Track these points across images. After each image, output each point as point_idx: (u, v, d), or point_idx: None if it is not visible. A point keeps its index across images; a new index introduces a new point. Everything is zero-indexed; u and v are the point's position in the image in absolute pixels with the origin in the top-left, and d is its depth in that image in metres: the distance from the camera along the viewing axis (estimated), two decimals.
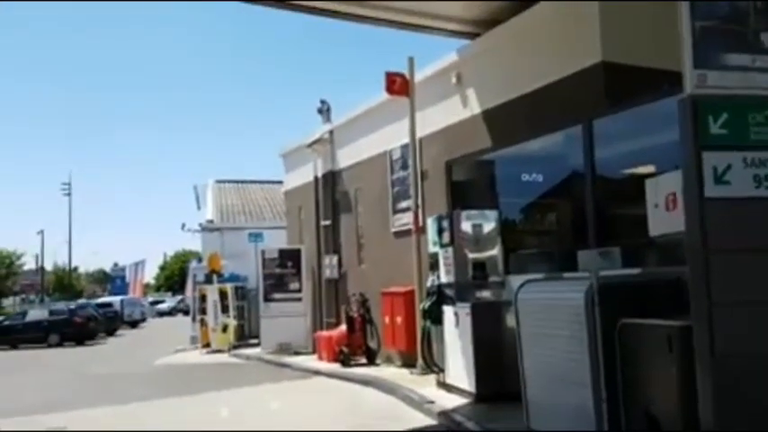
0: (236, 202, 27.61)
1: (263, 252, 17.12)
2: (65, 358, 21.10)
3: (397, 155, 12.41)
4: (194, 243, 40.94)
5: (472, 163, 10.84)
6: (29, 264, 64.92)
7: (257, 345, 18.47)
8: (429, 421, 7.85)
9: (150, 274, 72.75)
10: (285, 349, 15.71)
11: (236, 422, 8.84)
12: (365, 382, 10.91)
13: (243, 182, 29.87)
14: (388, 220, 12.63)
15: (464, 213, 8.68)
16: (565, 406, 5.88)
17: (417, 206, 10.96)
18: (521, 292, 6.53)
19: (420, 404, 8.47)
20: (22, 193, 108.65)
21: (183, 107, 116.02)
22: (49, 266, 63.46)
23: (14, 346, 26.09)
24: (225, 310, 19.36)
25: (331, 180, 15.01)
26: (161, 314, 50.70)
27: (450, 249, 8.57)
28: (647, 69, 8.01)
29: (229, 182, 29.52)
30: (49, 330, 26.78)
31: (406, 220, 11.96)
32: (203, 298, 20.60)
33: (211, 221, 25.66)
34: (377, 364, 12.47)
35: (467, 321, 8.13)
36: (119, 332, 33.21)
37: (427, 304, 9.11)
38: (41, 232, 59.15)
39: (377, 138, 13.03)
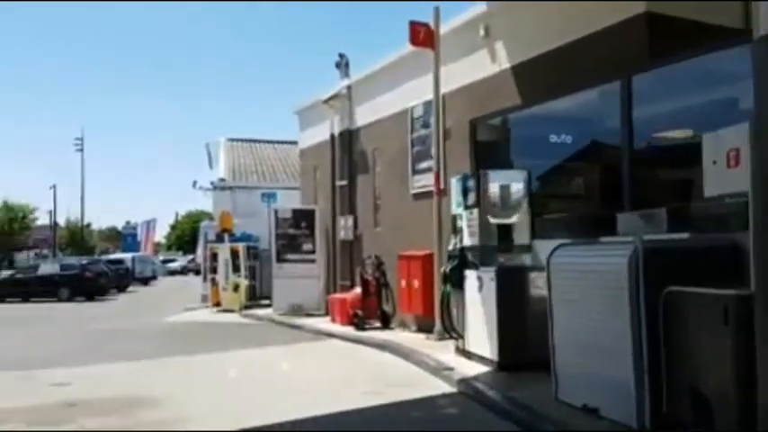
0: (249, 162, 27.19)
1: (275, 211, 16.75)
2: (74, 313, 21.02)
3: (418, 112, 11.88)
4: (206, 203, 40.72)
5: (498, 122, 10.33)
6: (42, 219, 65.27)
7: (268, 306, 18.27)
8: (448, 388, 7.51)
9: (161, 233, 73.07)
10: (297, 311, 15.44)
11: (244, 382, 8.56)
12: (380, 345, 10.59)
13: (256, 141, 29.40)
14: (408, 182, 12.16)
15: (491, 173, 8.19)
16: (599, 377, 5.49)
17: (439, 167, 10.47)
18: (554, 256, 6.10)
19: (438, 370, 8.13)
20: (36, 147, 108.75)
21: (197, 64, 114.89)
22: (62, 222, 63.69)
23: (25, 299, 26.13)
24: (236, 269, 19.13)
25: (348, 139, 14.51)
26: (172, 273, 50.85)
27: (475, 211, 8.11)
28: (694, 23, 7.44)
29: (242, 140, 29.04)
30: (59, 285, 26.76)
31: (426, 181, 11.50)
32: (214, 257, 20.36)
33: (223, 180, 25.30)
34: (391, 329, 12.15)
35: (491, 286, 7.72)
36: (130, 289, 33.23)
37: (448, 268, 8.69)
38: (54, 187, 59.05)
39: (397, 94, 12.47)
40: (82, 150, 60.12)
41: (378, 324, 12.42)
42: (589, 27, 8.06)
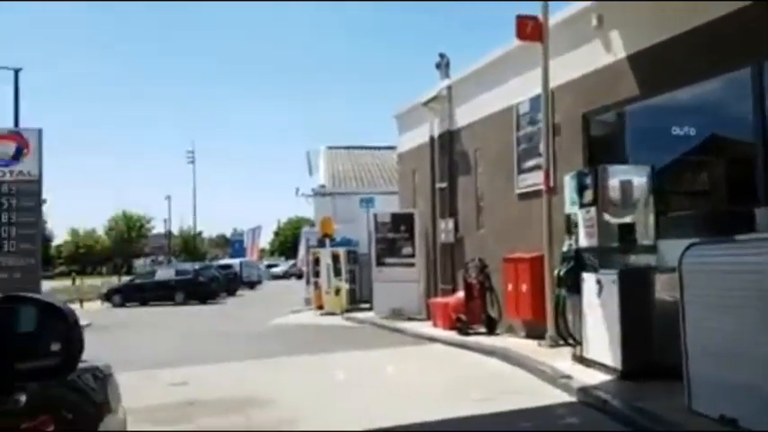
0: (348, 168, 27.48)
1: (375, 216, 16.74)
2: (188, 315, 21.98)
3: (524, 109, 11.44)
4: (307, 210, 41.66)
5: (612, 115, 9.76)
6: (158, 227, 69.35)
7: (368, 309, 18.33)
8: (566, 397, 7.08)
9: (265, 240, 75.53)
10: (398, 314, 15.31)
11: (352, 385, 8.48)
12: (488, 351, 10.23)
13: (354, 148, 29.68)
14: (513, 181, 11.73)
15: (610, 169, 7.68)
16: (742, 388, 4.94)
17: (549, 164, 10.01)
18: (686, 256, 5.57)
19: (554, 378, 7.69)
20: (152, 160, 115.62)
21: (295, 73, 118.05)
22: (175, 230, 67.31)
23: (144, 303, 27.59)
24: (337, 273, 19.30)
25: (448, 140, 14.24)
26: (275, 277, 52.33)
27: (592, 210, 7.63)
28: None
29: (341, 148, 29.43)
30: (175, 289, 28.10)
31: (533, 180, 11.04)
32: (317, 261, 20.68)
33: (323, 186, 25.68)
34: (497, 334, 11.74)
35: (612, 290, 7.21)
36: (238, 292, 34.43)
37: (563, 271, 8.23)
38: (168, 198, 62.53)
39: (501, 91, 12.08)
40: (193, 162, 63.52)
41: (482, 329, 12.04)
42: (716, 10, 7.40)
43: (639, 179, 7.68)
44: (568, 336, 8.25)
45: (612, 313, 7.21)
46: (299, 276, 38.74)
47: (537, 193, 10.78)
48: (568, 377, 7.48)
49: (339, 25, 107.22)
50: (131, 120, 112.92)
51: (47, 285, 25.06)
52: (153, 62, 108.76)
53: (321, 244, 20.85)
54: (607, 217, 7.57)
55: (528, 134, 11.36)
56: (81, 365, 2.92)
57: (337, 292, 19.04)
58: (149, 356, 11.62)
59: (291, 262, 55.64)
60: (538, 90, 10.45)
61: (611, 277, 7.24)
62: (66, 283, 34.03)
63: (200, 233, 74.41)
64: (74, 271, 39.22)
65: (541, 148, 10.42)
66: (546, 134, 10.13)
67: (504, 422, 6.36)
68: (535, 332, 10.57)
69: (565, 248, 8.33)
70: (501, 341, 10.93)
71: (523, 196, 11.44)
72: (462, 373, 9.02)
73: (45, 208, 24.85)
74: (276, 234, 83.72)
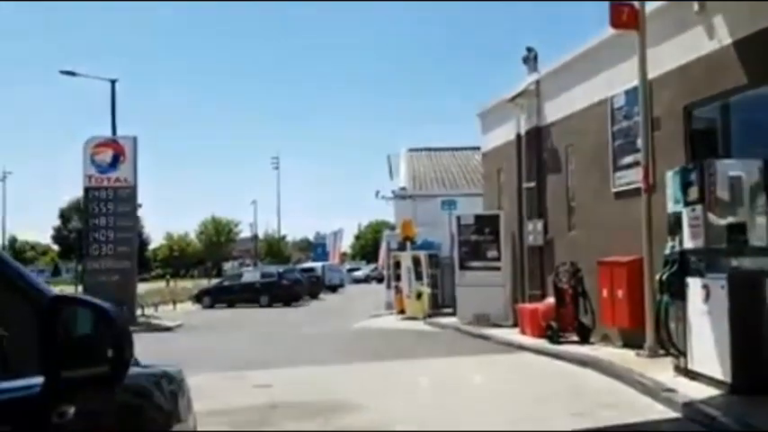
0: (429, 170, 27.17)
1: (458, 218, 16.30)
2: (273, 318, 22.28)
3: (620, 102, 10.75)
4: (387, 213, 41.67)
5: (717, 107, 8.98)
6: (244, 232, 71.51)
7: (450, 314, 17.96)
8: (670, 413, 6.49)
9: (347, 243, 76.38)
10: (482, 320, 14.82)
11: (439, 392, 8.14)
12: (582, 362, 9.63)
13: (435, 149, 29.35)
14: (608, 179, 11.05)
15: (718, 164, 6.99)
16: None
17: (648, 160, 9.33)
18: None
19: (656, 392, 7.08)
20: (238, 166, 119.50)
21: (373, 77, 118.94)
22: (261, 234, 69.15)
23: (231, 305, 28.26)
24: (419, 277, 19.00)
25: (536, 137, 13.65)
26: (356, 281, 52.69)
27: (698, 208, 6.96)
28: None
29: (422, 150, 29.18)
30: (260, 292, 28.64)
31: (631, 177, 10.35)
32: (397, 265, 20.45)
33: (404, 189, 25.48)
34: (591, 343, 11.07)
35: (721, 296, 6.55)
36: (320, 296, 34.80)
37: (665, 275, 7.58)
38: (254, 203, 64.26)
39: (594, 84, 11.42)
40: (278, 168, 65.11)
41: (574, 338, 11.40)
42: None
43: (750, 175, 6.94)
44: (671, 346, 7.58)
45: (721, 321, 6.54)
46: (380, 280, 38.77)
47: (635, 192, 10.10)
48: (672, 391, 6.88)
49: (419, 24, 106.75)
50: (219, 126, 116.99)
51: (142, 287, 26.14)
52: (240, 67, 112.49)
53: (402, 247, 20.60)
54: (714, 216, 6.88)
55: (624, 129, 10.66)
56: (150, 371, 2.75)
57: (419, 296, 18.73)
58: (236, 358, 11.74)
59: (372, 266, 55.90)
60: (634, 82, 9.81)
61: (719, 282, 6.58)
62: (161, 285, 35.44)
63: (284, 237, 76.19)
64: (168, 273, 40.83)
65: (639, 143, 9.74)
66: (644, 128, 9.47)
67: None
68: (632, 341, 9.88)
69: (667, 251, 7.68)
70: (595, 351, 10.28)
71: (620, 195, 10.75)
72: (555, 384, 8.50)
73: (141, 213, 26.08)
74: (357, 238, 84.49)
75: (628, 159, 10.56)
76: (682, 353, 7.43)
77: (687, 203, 7.19)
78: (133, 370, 2.34)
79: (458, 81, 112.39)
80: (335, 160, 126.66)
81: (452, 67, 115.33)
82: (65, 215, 65.42)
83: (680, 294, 7.36)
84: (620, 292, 10.22)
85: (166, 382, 2.70)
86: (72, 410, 1.75)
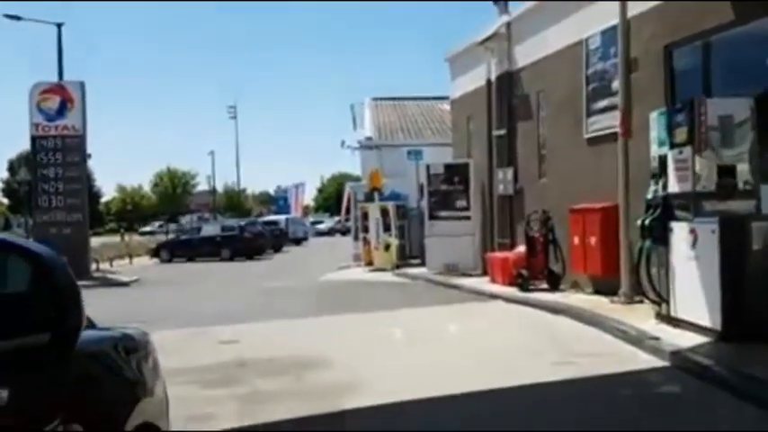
0: (394, 120, 26.59)
1: (427, 167, 15.91)
2: (235, 271, 21.77)
3: (595, 43, 10.38)
4: (351, 166, 41.07)
5: (699, 47, 8.68)
6: (201, 184, 69.93)
7: (418, 265, 17.79)
8: (656, 361, 6.32)
9: (309, 196, 75.55)
10: (452, 270, 14.64)
11: (413, 345, 7.88)
12: (555, 309, 9.49)
13: (400, 99, 28.70)
14: (581, 125, 10.76)
15: (709, 102, 6.71)
16: None
17: (626, 103, 9.03)
18: None
19: (639, 340, 6.93)
20: (194, 115, 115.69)
21: (336, 22, 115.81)
22: (219, 187, 67.76)
23: (191, 259, 27.60)
24: (386, 228, 18.68)
25: (507, 82, 13.23)
26: (320, 234, 52.23)
27: (686, 150, 6.70)
28: None
29: (386, 99, 28.49)
30: (221, 245, 27.96)
31: (605, 122, 10.08)
32: (365, 216, 20.08)
33: (370, 139, 24.90)
34: (561, 290, 10.97)
35: (710, 241, 6.35)
36: (284, 249, 34.30)
37: (648, 220, 7.37)
38: (212, 153, 62.67)
39: (568, 25, 11.00)
40: (235, 118, 63.30)
41: (544, 285, 11.29)
42: None
43: (740, 114, 6.68)
44: (652, 292, 7.42)
45: (710, 267, 6.36)
46: (344, 233, 38.37)
47: (609, 138, 9.85)
48: (656, 338, 6.72)
49: None
50: (172, 73, 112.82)
51: (96, 241, 25.24)
52: (192, 13, 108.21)
53: (369, 198, 20.20)
54: (703, 159, 6.63)
55: (599, 72, 10.33)
56: (109, 333, 2.30)
57: (387, 247, 18.44)
58: (199, 312, 11.32)
59: (336, 218, 55.44)
60: (611, 22, 9.43)
61: (709, 226, 6.36)
62: (116, 239, 34.42)
63: (243, 190, 74.78)
64: (122, 227, 39.70)
65: (615, 86, 9.43)
66: (623, 69, 9.14)
67: (595, 389, 5.66)
68: (604, 288, 9.79)
69: (649, 195, 7.45)
70: (565, 298, 10.18)
71: (593, 141, 10.49)
72: (531, 332, 8.32)
73: (91, 164, 24.92)
74: (320, 191, 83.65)
75: (602, 103, 10.26)
76: (664, 299, 7.28)
77: (674, 145, 6.92)
78: (87, 334, 1.91)
79: (424, 25, 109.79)
80: (296, 111, 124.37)
81: (418, 9, 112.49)
82: (13, 167, 62.79)
83: (663, 240, 7.16)
84: (592, 239, 10.07)
85: (128, 345, 2.27)
86: (5, 394, 1.32)
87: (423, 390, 5.62)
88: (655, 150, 7.41)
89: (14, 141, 75.07)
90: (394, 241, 18.49)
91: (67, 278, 1.29)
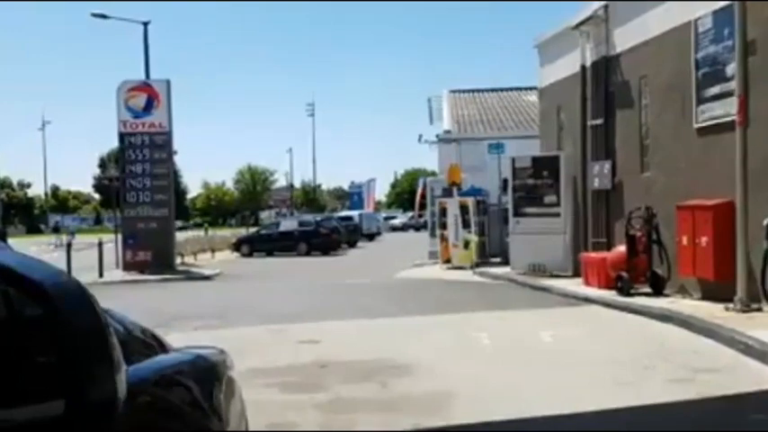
0: (474, 112, 25.76)
1: (513, 160, 15.10)
2: (313, 267, 21.68)
3: (706, 25, 9.39)
4: (425, 161, 40.50)
5: None
6: (280, 180, 71.23)
7: (499, 264, 17.10)
8: None
9: (382, 192, 75.56)
10: (539, 271, 13.85)
11: (502, 353, 7.27)
12: (661, 316, 8.66)
13: (479, 91, 27.89)
14: (690, 114, 9.79)
15: None
16: None
17: (743, 89, 8.09)
18: None
19: (764, 354, 6.12)
20: (274, 114, 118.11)
21: (413, 14, 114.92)
22: (296, 183, 68.76)
23: (270, 254, 27.83)
24: (466, 225, 18.00)
25: (604, 68, 12.29)
26: (393, 229, 52.03)
27: None
28: None
29: (465, 91, 27.74)
30: (298, 240, 28.13)
31: (717, 111, 9.12)
32: (443, 212, 19.46)
33: (448, 132, 24.21)
34: (665, 295, 10.06)
35: None
36: (359, 244, 34.16)
37: None
38: (290, 150, 63.59)
39: (674, 5, 10.05)
40: (313, 115, 63.90)
41: (646, 289, 10.39)
42: None
43: None
44: None
45: None
46: (417, 228, 37.76)
47: (723, 127, 8.92)
48: None
49: None
50: (253, 72, 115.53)
51: (181, 236, 25.76)
52: (276, 9, 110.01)
53: (448, 193, 19.55)
54: None
55: (710, 55, 9.34)
56: (173, 357, 1.88)
57: (466, 245, 17.77)
58: (278, 308, 11.13)
59: (410, 214, 55.01)
60: (721, 3, 8.49)
61: None
62: (200, 233, 35.30)
63: (319, 185, 75.62)
64: (206, 222, 40.73)
65: (730, 70, 8.48)
66: (740, 53, 8.19)
67: (721, 412, 4.92)
68: (717, 293, 8.86)
69: None
70: (672, 304, 9.28)
71: (704, 131, 9.52)
72: (638, 342, 7.53)
73: (178, 161, 25.56)
74: (393, 186, 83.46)
75: (714, 90, 9.28)
76: None
77: None
78: (153, 362, 1.53)
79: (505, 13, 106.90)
80: (371, 107, 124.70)
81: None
82: (104, 163, 65.75)
83: None
84: (703, 240, 9.14)
85: (201, 374, 1.83)
86: None
87: (523, 406, 5.06)
88: None
89: (108, 139, 78.61)
90: (474, 238, 17.80)
91: (88, 319, 0.80)
